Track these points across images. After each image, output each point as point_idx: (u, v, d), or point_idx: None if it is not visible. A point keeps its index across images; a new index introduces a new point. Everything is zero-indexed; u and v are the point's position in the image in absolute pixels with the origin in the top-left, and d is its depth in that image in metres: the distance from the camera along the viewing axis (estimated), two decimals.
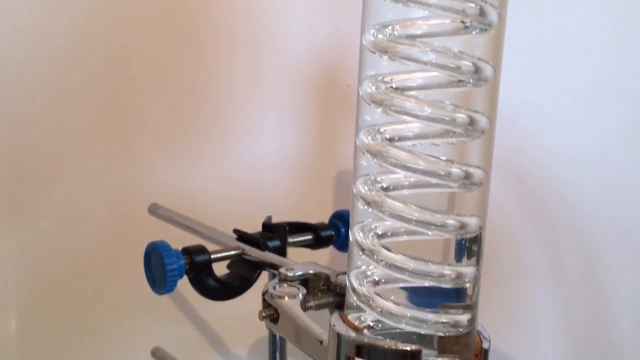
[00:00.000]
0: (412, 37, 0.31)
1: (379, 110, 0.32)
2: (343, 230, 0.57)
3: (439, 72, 0.30)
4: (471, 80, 0.30)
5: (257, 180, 0.73)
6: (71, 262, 0.72)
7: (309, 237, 0.56)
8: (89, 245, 0.72)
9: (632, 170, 0.68)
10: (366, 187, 0.33)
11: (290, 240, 0.53)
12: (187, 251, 0.48)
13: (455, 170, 0.31)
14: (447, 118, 0.31)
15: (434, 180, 0.31)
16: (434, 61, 0.30)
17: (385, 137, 0.32)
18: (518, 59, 0.60)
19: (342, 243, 0.58)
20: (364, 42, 0.32)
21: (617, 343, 0.69)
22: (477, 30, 0.30)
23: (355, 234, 0.34)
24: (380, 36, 0.32)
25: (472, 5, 0.30)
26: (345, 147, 0.74)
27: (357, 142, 0.33)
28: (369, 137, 0.32)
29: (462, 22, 0.30)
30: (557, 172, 0.67)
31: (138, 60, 0.70)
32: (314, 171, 0.74)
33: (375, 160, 0.32)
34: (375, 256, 0.33)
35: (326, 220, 0.58)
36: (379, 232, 0.33)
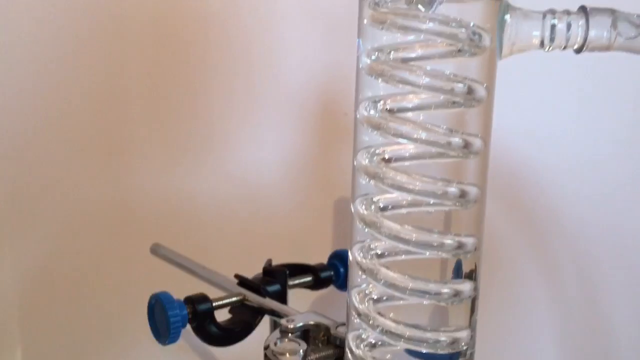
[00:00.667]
0: (407, 60, 0.32)
1: (376, 132, 0.32)
2: (342, 270, 0.58)
3: (433, 95, 0.31)
4: (464, 102, 0.31)
5: (255, 208, 0.74)
6: (71, 264, 0.71)
7: (309, 278, 0.56)
8: (88, 249, 0.71)
9: (624, 183, 0.69)
10: (364, 207, 0.33)
11: (290, 282, 0.54)
12: (190, 300, 0.48)
13: (451, 189, 0.31)
14: (442, 141, 0.31)
15: (430, 200, 0.31)
16: (428, 84, 0.31)
17: (382, 158, 0.32)
18: (511, 80, 0.61)
19: (341, 282, 0.58)
20: (361, 66, 0.33)
21: (613, 352, 0.69)
22: (470, 54, 0.31)
23: (355, 254, 0.34)
24: (375, 59, 0.32)
25: (463, 30, 0.30)
26: (343, 175, 0.74)
27: (355, 163, 0.34)
28: (366, 159, 0.33)
29: (455, 46, 0.31)
30: (550, 186, 0.68)
31: (136, 92, 0.71)
32: (311, 199, 0.75)
33: (372, 181, 0.32)
34: (374, 275, 0.33)
35: (325, 257, 0.58)
36: (378, 252, 0.33)
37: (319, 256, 0.77)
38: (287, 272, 0.53)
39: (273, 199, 0.75)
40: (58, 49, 0.66)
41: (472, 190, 0.32)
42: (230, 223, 0.74)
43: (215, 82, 0.71)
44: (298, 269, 0.56)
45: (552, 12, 0.32)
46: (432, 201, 0.32)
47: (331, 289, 0.64)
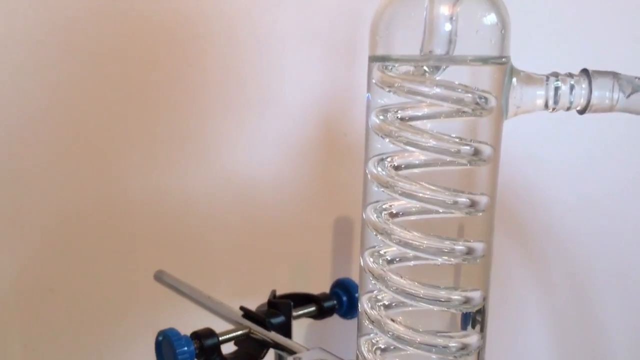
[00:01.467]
0: (414, 118, 0.33)
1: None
2: (345, 298, 0.58)
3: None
4: (471, 162, 0.32)
5: (255, 227, 0.74)
6: (65, 263, 0.71)
7: (313, 308, 0.57)
8: (82, 251, 0.71)
9: (614, 190, 0.70)
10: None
11: (294, 313, 0.54)
12: (196, 335, 0.49)
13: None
14: (448, 201, 0.32)
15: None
16: (434, 146, 0.31)
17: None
18: None
19: (344, 311, 0.59)
20: (370, 124, 0.33)
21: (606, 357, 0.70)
22: (476, 115, 0.32)
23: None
24: (383, 119, 0.33)
25: (469, 95, 0.31)
26: (343, 194, 0.75)
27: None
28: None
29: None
30: (542, 192, 0.69)
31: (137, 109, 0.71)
32: (312, 219, 0.76)
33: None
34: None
35: (326, 276, 0.59)
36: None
37: (319, 274, 0.78)
38: (292, 303, 0.54)
39: (273, 218, 0.76)
40: (53, 39, 0.65)
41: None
42: (231, 242, 0.75)
43: (214, 101, 0.72)
44: (302, 299, 0.57)
45: (556, 74, 0.33)
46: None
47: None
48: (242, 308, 0.54)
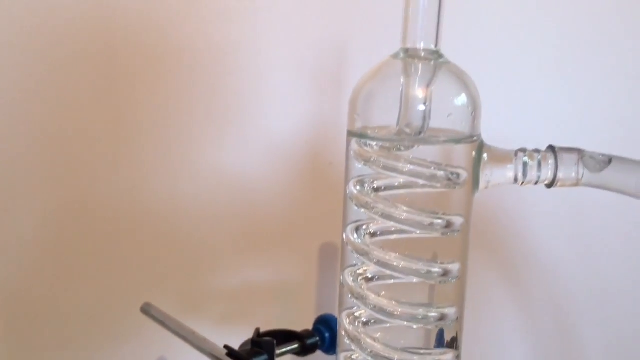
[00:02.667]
0: (390, 188, 0.34)
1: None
2: (327, 335, 0.60)
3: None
4: (443, 233, 0.34)
5: (241, 253, 0.75)
6: (59, 264, 0.72)
7: (296, 346, 0.58)
8: (77, 249, 0.71)
9: (595, 219, 0.72)
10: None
11: (278, 351, 0.55)
12: None
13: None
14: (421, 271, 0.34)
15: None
16: (407, 218, 0.33)
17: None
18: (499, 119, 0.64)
19: (327, 347, 0.60)
20: (348, 193, 0.35)
21: None
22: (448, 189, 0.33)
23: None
24: (360, 190, 0.35)
25: (442, 172, 0.33)
26: (328, 222, 0.77)
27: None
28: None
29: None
30: (525, 220, 0.71)
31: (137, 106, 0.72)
32: (297, 244, 0.77)
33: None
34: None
35: (311, 304, 0.60)
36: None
37: (304, 304, 0.80)
38: (275, 342, 0.55)
39: (258, 246, 0.77)
40: (52, 39, 0.66)
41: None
42: (218, 266, 0.76)
43: (201, 130, 0.73)
44: (285, 337, 0.58)
45: (524, 150, 0.35)
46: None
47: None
48: (226, 347, 0.55)
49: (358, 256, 0.36)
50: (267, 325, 0.63)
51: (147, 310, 0.65)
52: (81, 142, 0.69)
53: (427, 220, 0.33)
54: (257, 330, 0.57)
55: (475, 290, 0.73)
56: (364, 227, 0.35)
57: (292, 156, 0.77)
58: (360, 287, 0.35)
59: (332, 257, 0.83)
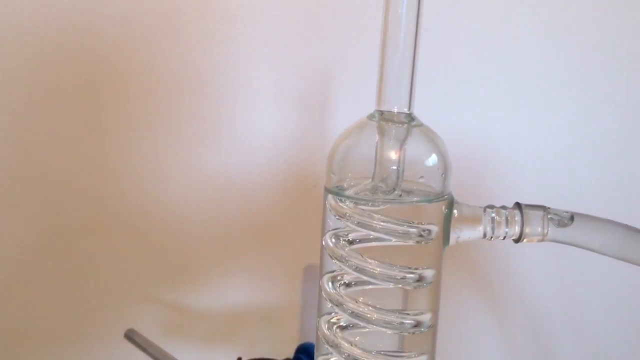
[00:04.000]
0: (364, 241, 0.36)
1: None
2: None
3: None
4: (415, 287, 0.35)
5: (223, 274, 0.77)
6: (44, 265, 0.72)
7: None
8: (60, 250, 0.71)
9: None
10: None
11: None
12: None
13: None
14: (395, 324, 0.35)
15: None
16: (381, 273, 0.35)
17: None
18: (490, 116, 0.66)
19: None
20: (324, 243, 0.36)
21: None
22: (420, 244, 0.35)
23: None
24: (335, 242, 0.36)
25: (414, 229, 0.34)
26: (313, 243, 0.78)
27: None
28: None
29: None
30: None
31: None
32: (281, 266, 0.78)
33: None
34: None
35: (294, 324, 0.61)
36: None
37: (288, 325, 0.81)
38: None
39: (241, 267, 0.78)
40: (43, 33, 0.66)
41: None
42: (202, 289, 0.77)
43: (185, 151, 0.74)
44: None
45: (491, 207, 0.36)
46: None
47: None
48: None
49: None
50: (250, 349, 0.64)
51: (130, 336, 0.66)
52: (67, 144, 0.70)
53: (399, 274, 0.35)
54: (239, 359, 0.58)
55: (454, 311, 0.75)
56: (339, 277, 0.37)
57: (276, 179, 0.79)
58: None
59: (316, 277, 0.84)
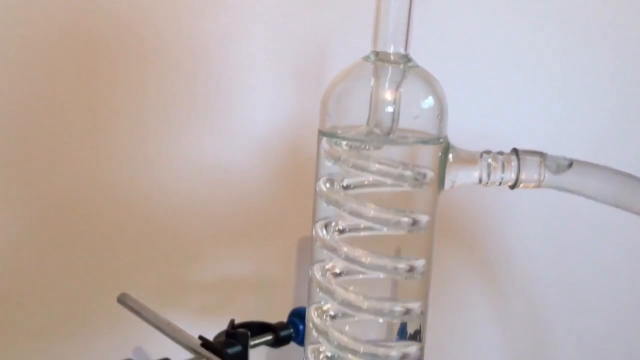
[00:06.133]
0: (358, 186, 0.36)
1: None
2: (301, 327, 0.61)
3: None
4: (409, 230, 0.35)
5: (218, 249, 0.76)
6: (33, 261, 0.72)
7: (270, 337, 0.59)
8: (52, 238, 0.71)
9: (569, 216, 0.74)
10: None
11: (252, 342, 0.57)
12: None
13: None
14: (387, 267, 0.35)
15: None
16: (375, 218, 0.34)
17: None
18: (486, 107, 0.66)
19: (301, 339, 0.61)
20: (317, 189, 0.36)
21: None
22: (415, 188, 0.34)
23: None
24: (329, 187, 0.36)
25: (409, 172, 0.34)
26: (307, 215, 0.78)
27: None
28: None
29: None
30: (500, 215, 0.73)
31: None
32: (276, 238, 0.78)
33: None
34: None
35: (289, 298, 0.61)
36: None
37: (281, 296, 0.81)
38: (249, 333, 0.56)
39: (235, 239, 0.78)
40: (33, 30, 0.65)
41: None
42: (196, 258, 0.77)
43: (181, 123, 0.73)
44: (259, 328, 0.59)
45: (488, 152, 0.36)
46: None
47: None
48: (200, 337, 0.56)
49: (327, 252, 0.37)
50: (243, 317, 0.64)
51: (123, 300, 0.66)
52: (59, 135, 0.69)
53: (394, 218, 0.34)
54: (232, 321, 0.58)
55: (451, 287, 0.74)
56: (333, 223, 0.36)
57: (271, 151, 0.78)
58: (329, 282, 0.37)
59: (309, 250, 0.84)
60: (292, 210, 0.80)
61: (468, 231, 0.78)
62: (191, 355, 0.55)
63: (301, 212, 0.80)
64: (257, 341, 0.58)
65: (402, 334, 0.38)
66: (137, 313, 0.64)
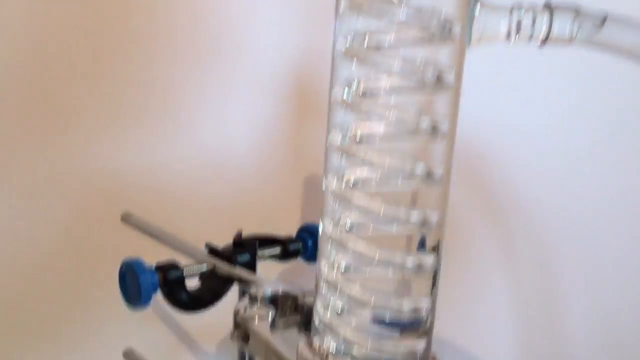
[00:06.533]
0: (380, 45, 0.34)
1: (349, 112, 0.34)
2: (310, 242, 0.59)
3: (404, 80, 0.33)
4: (434, 87, 0.33)
5: (225, 180, 0.75)
6: (34, 254, 0.71)
7: (277, 250, 0.58)
8: (55, 219, 0.71)
9: (582, 168, 0.72)
10: (336, 182, 0.35)
11: (259, 253, 0.55)
12: (161, 268, 0.49)
13: (418, 168, 0.33)
14: (411, 124, 0.33)
15: (399, 181, 0.33)
16: (399, 70, 0.32)
17: (354, 137, 0.34)
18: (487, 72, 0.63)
19: (309, 255, 0.60)
20: (337, 48, 0.34)
21: (566, 328, 0.72)
22: (440, 42, 0.33)
23: (325, 226, 0.36)
24: (350, 44, 0.34)
25: (435, 20, 0.32)
26: (315, 151, 0.76)
27: (328, 141, 0.35)
28: (340, 137, 0.34)
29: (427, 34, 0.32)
30: (511, 169, 0.71)
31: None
32: (282, 174, 0.77)
33: (344, 158, 0.34)
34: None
35: (294, 232, 0.60)
36: (348, 226, 0.35)
37: (287, 230, 0.79)
38: (257, 242, 0.55)
39: (243, 173, 0.76)
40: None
41: (438, 171, 0.34)
42: (200, 195, 0.75)
43: (188, 56, 0.72)
44: (267, 241, 0.58)
45: (519, 6, 0.34)
46: (399, 181, 0.33)
47: (299, 261, 0.66)
48: (207, 245, 0.55)
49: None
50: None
51: (127, 218, 0.64)
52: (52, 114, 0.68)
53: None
54: (240, 231, 0.56)
55: (460, 238, 0.72)
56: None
57: (279, 83, 0.76)
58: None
59: (318, 183, 0.82)
60: (300, 144, 0.78)
61: (479, 182, 0.76)
62: (199, 265, 0.54)
63: (309, 146, 0.78)
64: (264, 251, 0.57)
65: (422, 247, 0.36)
66: (141, 229, 0.62)
